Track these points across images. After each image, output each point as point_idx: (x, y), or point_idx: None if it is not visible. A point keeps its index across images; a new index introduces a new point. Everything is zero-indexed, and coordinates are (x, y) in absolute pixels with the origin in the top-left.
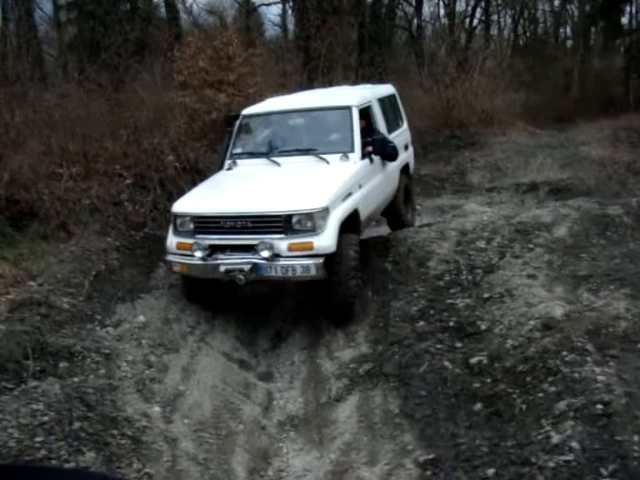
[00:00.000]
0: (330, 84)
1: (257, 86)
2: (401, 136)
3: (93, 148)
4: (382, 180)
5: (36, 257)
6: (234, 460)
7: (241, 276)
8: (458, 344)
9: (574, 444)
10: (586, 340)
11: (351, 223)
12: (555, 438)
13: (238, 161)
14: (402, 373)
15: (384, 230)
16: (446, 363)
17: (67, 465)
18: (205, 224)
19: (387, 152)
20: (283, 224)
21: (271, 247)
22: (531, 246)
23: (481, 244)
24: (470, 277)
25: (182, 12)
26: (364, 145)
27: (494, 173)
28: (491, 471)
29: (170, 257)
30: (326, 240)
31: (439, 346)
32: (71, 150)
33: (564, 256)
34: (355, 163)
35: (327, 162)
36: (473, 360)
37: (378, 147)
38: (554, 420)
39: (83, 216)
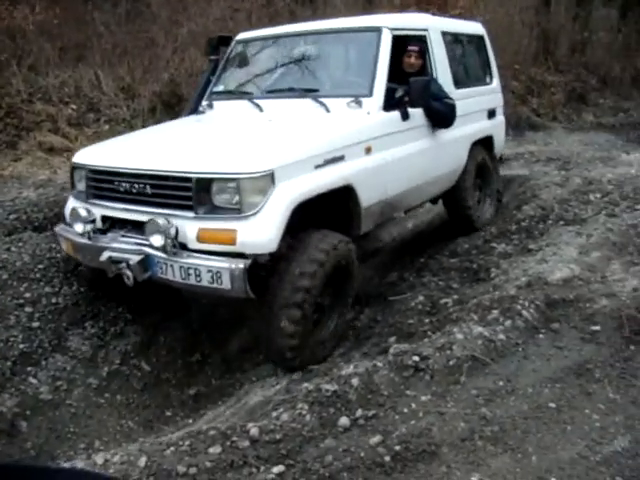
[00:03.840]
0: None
1: (465, 7)
2: (485, 97)
3: None
4: (427, 150)
5: None
6: None
7: (128, 272)
8: (456, 285)
9: (354, 380)
10: (538, 306)
11: (336, 209)
12: (345, 370)
13: (215, 103)
14: (391, 300)
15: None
16: (421, 298)
17: None
18: (99, 183)
19: (433, 107)
20: (195, 195)
21: (168, 231)
22: (639, 207)
23: (593, 197)
24: (546, 227)
25: None
26: (393, 91)
27: None
28: None
29: (58, 228)
30: (259, 230)
31: (441, 283)
32: None
33: None
34: (369, 113)
35: (326, 109)
36: (442, 301)
37: (416, 94)
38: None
39: None
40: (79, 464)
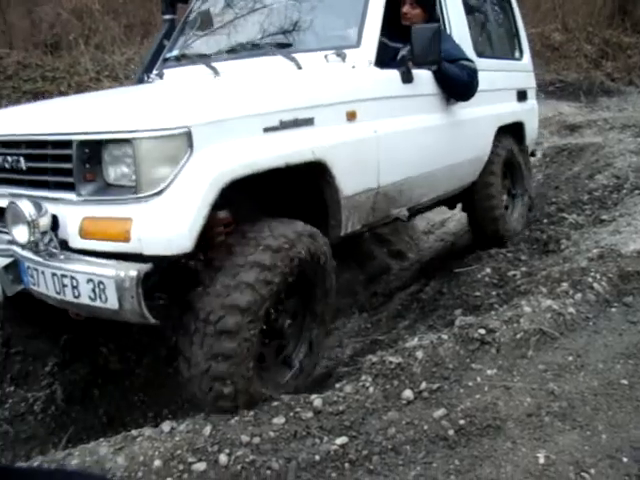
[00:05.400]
0: None
1: None
2: (514, 73)
3: None
4: (438, 127)
5: None
6: None
7: None
8: (524, 257)
9: (419, 353)
10: (610, 279)
11: (306, 200)
12: (410, 342)
13: (167, 71)
14: (457, 272)
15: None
16: (488, 270)
17: None
18: None
19: (446, 70)
20: (76, 166)
21: (35, 220)
22: None
23: None
24: (620, 197)
25: None
26: (396, 51)
27: None
28: None
29: None
30: (164, 218)
31: (509, 254)
32: None
33: None
34: (354, 67)
35: (298, 65)
36: (510, 273)
37: (420, 46)
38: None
39: None
40: (146, 432)
